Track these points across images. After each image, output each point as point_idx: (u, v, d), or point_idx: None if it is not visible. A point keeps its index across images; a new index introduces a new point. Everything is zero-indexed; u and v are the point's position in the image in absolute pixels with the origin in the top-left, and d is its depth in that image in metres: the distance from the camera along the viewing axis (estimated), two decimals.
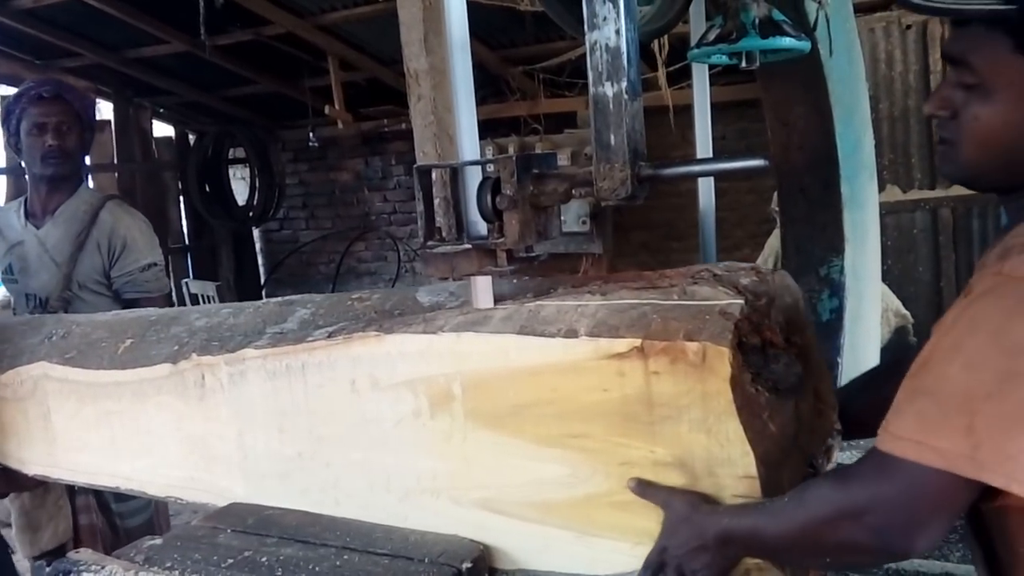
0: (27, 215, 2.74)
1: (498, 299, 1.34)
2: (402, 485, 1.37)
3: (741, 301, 1.17)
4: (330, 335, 1.42)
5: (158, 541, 1.39)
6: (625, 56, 1.19)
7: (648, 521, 1.16)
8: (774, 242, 3.84)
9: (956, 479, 0.92)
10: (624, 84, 1.20)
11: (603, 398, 1.17)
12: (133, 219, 2.75)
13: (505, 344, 1.24)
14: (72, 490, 2.53)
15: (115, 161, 7.23)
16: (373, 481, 1.40)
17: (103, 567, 1.28)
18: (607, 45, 1.20)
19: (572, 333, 1.19)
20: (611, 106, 1.21)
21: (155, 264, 2.72)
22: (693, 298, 1.20)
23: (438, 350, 1.30)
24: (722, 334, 1.10)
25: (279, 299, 1.72)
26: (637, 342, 1.14)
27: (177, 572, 1.26)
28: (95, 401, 1.73)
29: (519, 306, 1.29)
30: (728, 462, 1.11)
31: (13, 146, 2.70)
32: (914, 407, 0.96)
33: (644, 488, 1.16)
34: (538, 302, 1.29)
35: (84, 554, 1.36)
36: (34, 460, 1.91)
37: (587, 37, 1.21)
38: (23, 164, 2.74)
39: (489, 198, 1.28)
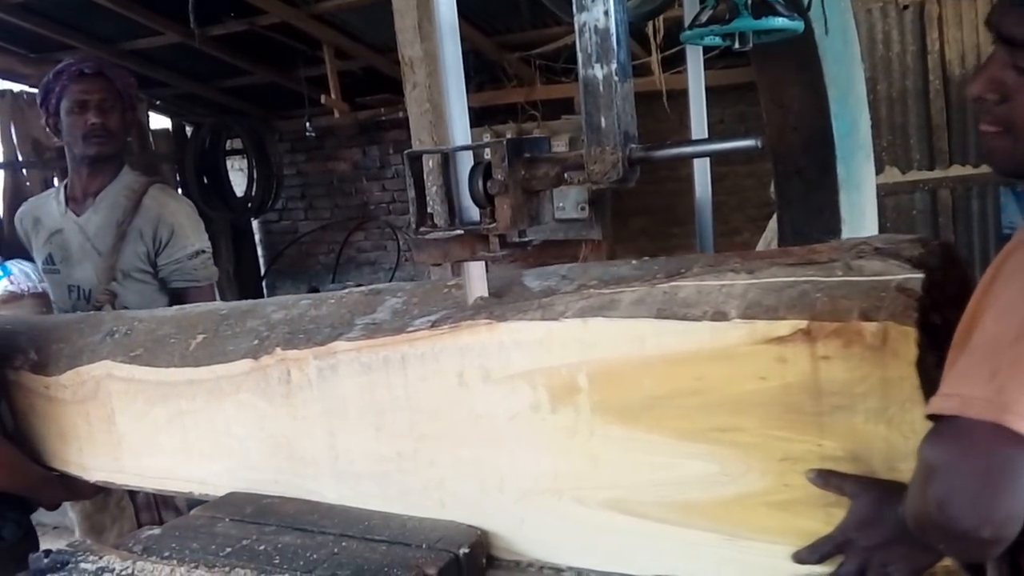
0: (67, 201, 2.62)
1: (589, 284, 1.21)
2: (518, 486, 1.27)
3: (921, 275, 1.04)
4: (433, 324, 1.31)
5: (156, 531, 1.40)
6: (614, 37, 1.19)
7: (812, 521, 1.07)
8: (775, 225, 3.83)
9: (991, 429, 0.86)
10: (614, 66, 1.19)
11: (759, 387, 1.06)
12: (179, 204, 2.64)
13: (640, 329, 1.13)
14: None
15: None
16: (484, 481, 1.30)
17: (101, 557, 1.28)
18: (596, 26, 1.19)
19: (721, 316, 1.08)
20: (601, 88, 1.20)
21: (203, 251, 2.60)
22: (861, 273, 1.07)
23: (560, 338, 1.19)
24: (905, 312, 0.98)
25: (362, 288, 1.63)
26: (803, 324, 1.02)
27: (175, 561, 1.26)
28: (165, 401, 1.64)
29: (650, 288, 1.17)
30: (913, 456, 0.96)
31: (52, 126, 2.58)
32: (954, 366, 0.91)
33: (827, 478, 1.05)
34: (672, 283, 1.17)
35: (83, 544, 1.36)
36: (97, 466, 1.81)
37: (576, 19, 1.20)
38: (64, 145, 2.62)
39: (481, 183, 1.28)
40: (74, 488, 1.92)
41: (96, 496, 2.27)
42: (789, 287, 1.08)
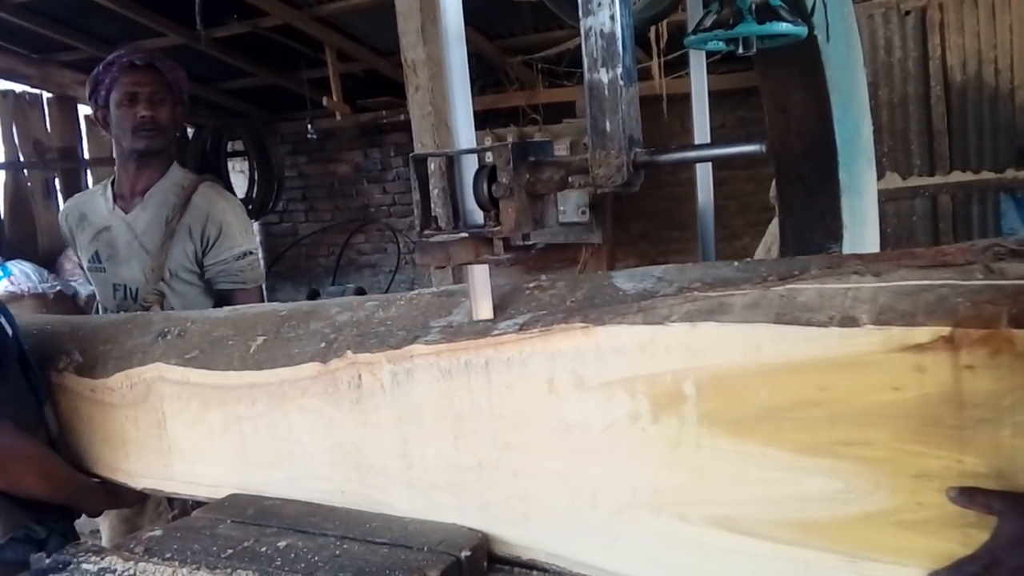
0: (114, 198, 2.54)
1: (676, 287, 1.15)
2: (613, 500, 1.19)
3: None
4: (521, 328, 1.24)
5: (158, 532, 1.39)
6: (620, 42, 1.19)
7: (947, 542, 1.00)
8: (775, 229, 3.83)
9: None
10: (619, 70, 1.19)
11: (893, 398, 0.99)
12: (228, 203, 2.55)
13: (757, 335, 1.05)
14: None
15: (114, 155, 7.22)
16: (575, 495, 1.22)
17: (103, 558, 1.28)
18: (602, 31, 1.19)
19: (850, 321, 1.01)
20: (606, 92, 1.21)
21: (250, 252, 2.51)
22: (1004, 276, 0.99)
23: (665, 343, 1.12)
24: None
25: (432, 290, 1.56)
26: (945, 330, 0.95)
27: (177, 563, 1.26)
28: (222, 405, 1.56)
29: (763, 291, 1.10)
30: None
31: (101, 119, 2.51)
32: None
33: (971, 496, 0.98)
34: (788, 286, 1.09)
35: (84, 545, 1.36)
36: (145, 472, 1.72)
37: (582, 23, 1.21)
38: (112, 138, 2.54)
39: (485, 186, 1.28)
40: (118, 495, 1.85)
41: (140, 503, 2.21)
42: (924, 291, 1.01)
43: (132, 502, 2.10)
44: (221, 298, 2.47)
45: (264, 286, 2.64)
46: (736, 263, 1.25)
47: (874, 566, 1.04)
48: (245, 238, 2.52)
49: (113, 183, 2.57)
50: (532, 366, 1.22)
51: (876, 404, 1.00)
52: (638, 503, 1.17)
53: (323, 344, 1.45)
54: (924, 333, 0.96)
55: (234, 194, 7.28)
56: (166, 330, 1.73)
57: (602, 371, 1.17)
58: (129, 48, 2.64)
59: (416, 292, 1.54)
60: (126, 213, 2.51)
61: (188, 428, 1.62)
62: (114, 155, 2.56)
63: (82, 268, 2.70)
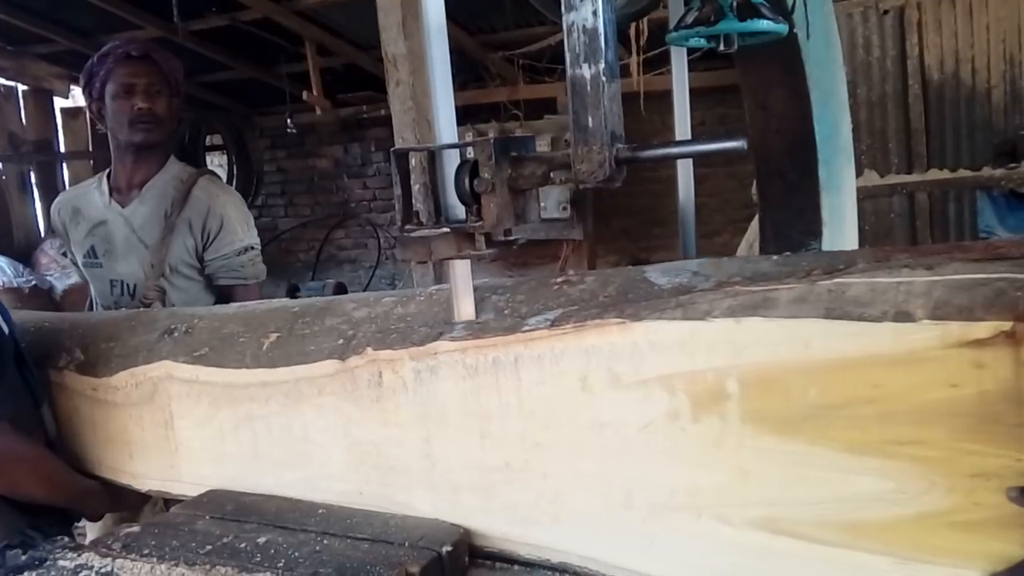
0: (110, 191, 2.48)
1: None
2: (649, 501, 1.16)
3: None
4: (553, 323, 1.21)
5: (135, 528, 1.38)
6: (603, 37, 1.19)
7: (1005, 543, 0.97)
8: (756, 227, 3.87)
9: None
10: (602, 66, 1.19)
11: (950, 396, 0.96)
12: (229, 196, 2.51)
13: (805, 331, 1.02)
14: None
15: (90, 148, 7.16)
16: (608, 497, 1.19)
17: (80, 555, 1.27)
18: (584, 26, 1.19)
19: (905, 316, 0.98)
20: (589, 88, 1.21)
21: (252, 247, 2.47)
22: None
23: (707, 339, 1.09)
24: None
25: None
26: (1006, 325, 0.92)
27: (155, 559, 1.25)
28: (233, 405, 1.52)
29: (809, 285, 1.07)
30: None
31: (96, 112, 2.45)
32: None
33: None
34: (836, 280, 1.06)
35: (61, 541, 1.35)
36: (150, 474, 1.67)
37: (564, 18, 1.21)
38: (107, 131, 2.48)
39: (467, 181, 1.28)
40: (119, 498, 1.79)
41: (143, 506, 2.12)
42: (981, 284, 0.97)
43: (134, 504, 2.02)
44: (221, 295, 2.43)
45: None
46: (775, 257, 1.23)
47: (927, 569, 1.01)
48: (246, 233, 2.47)
49: (108, 176, 2.52)
50: (564, 363, 1.19)
51: (932, 402, 0.97)
52: (676, 504, 1.14)
53: (341, 341, 1.41)
54: (983, 328, 0.93)
55: None
56: (172, 327, 1.68)
57: (639, 368, 1.14)
58: (124, 39, 2.60)
59: (436, 288, 1.50)
60: (123, 207, 2.46)
61: (197, 428, 1.57)
62: (110, 148, 2.50)
63: (75, 264, 2.63)
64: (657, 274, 1.26)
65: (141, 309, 2.20)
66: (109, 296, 2.46)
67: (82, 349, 1.78)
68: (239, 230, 2.44)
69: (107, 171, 2.54)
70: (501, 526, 1.28)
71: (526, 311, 1.28)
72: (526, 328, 1.22)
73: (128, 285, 2.43)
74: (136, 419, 1.66)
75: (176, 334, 1.66)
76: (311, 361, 1.42)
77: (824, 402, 1.02)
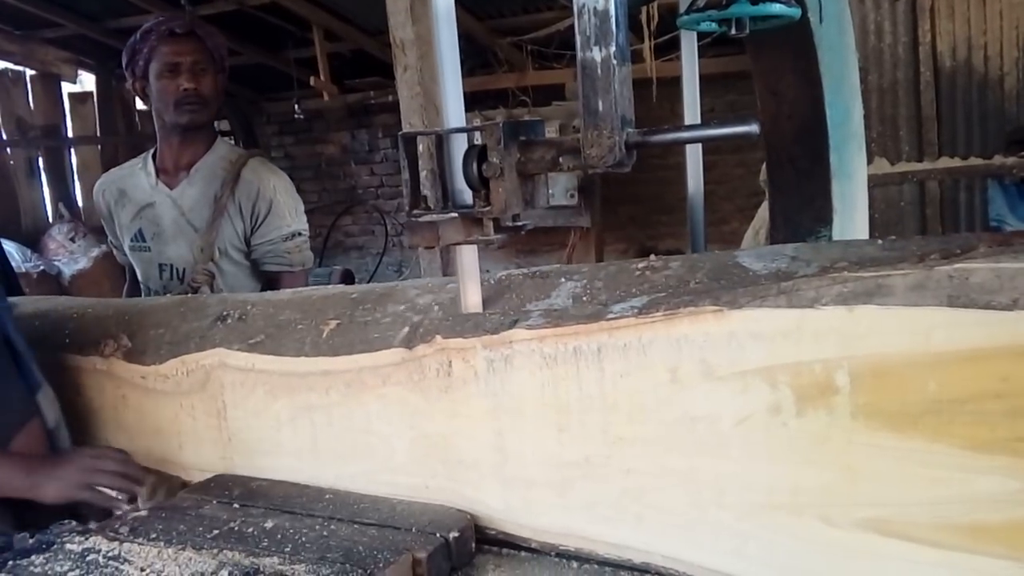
0: (156, 172, 2.41)
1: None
2: (743, 500, 1.10)
3: None
4: (640, 311, 1.14)
5: (143, 512, 1.38)
6: (614, 20, 1.17)
7: None
8: (764, 213, 3.84)
9: None
10: (612, 49, 1.18)
11: None
12: (279, 180, 2.42)
13: (927, 320, 0.96)
14: None
15: (98, 134, 7.16)
16: (699, 494, 1.13)
17: (87, 538, 1.27)
18: (595, 9, 1.18)
19: None
20: (599, 71, 1.19)
21: (299, 233, 2.40)
22: None
23: (814, 329, 1.03)
24: None
25: (524, 270, 1.46)
26: None
27: (162, 543, 1.25)
28: (292, 394, 1.47)
29: (927, 271, 1.00)
30: None
31: (139, 91, 2.37)
32: None
33: None
34: (956, 265, 1.00)
35: (68, 525, 1.35)
36: (201, 465, 1.62)
37: (575, 1, 1.19)
38: (152, 111, 2.41)
39: (475, 166, 1.26)
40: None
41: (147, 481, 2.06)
42: None
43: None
44: (267, 281, 2.39)
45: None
46: (879, 240, 1.17)
47: None
48: (295, 218, 2.41)
49: (154, 156, 2.45)
50: (652, 353, 1.13)
51: None
52: (774, 504, 1.08)
53: (407, 328, 1.36)
54: None
55: None
56: (225, 313, 1.64)
57: (737, 359, 1.08)
58: (168, 15, 2.50)
59: (505, 273, 1.45)
60: (170, 189, 2.40)
61: (251, 418, 1.53)
62: (155, 128, 2.44)
63: (117, 247, 2.57)
64: (751, 259, 1.22)
65: (189, 295, 2.16)
66: (158, 280, 2.41)
67: (129, 336, 1.74)
68: (287, 215, 2.38)
69: (152, 151, 2.48)
70: (579, 524, 1.23)
71: (607, 298, 1.23)
72: (611, 316, 1.17)
73: (177, 269, 2.37)
74: (187, 408, 1.61)
75: (229, 321, 1.62)
76: (375, 349, 1.37)
77: (945, 396, 0.97)
